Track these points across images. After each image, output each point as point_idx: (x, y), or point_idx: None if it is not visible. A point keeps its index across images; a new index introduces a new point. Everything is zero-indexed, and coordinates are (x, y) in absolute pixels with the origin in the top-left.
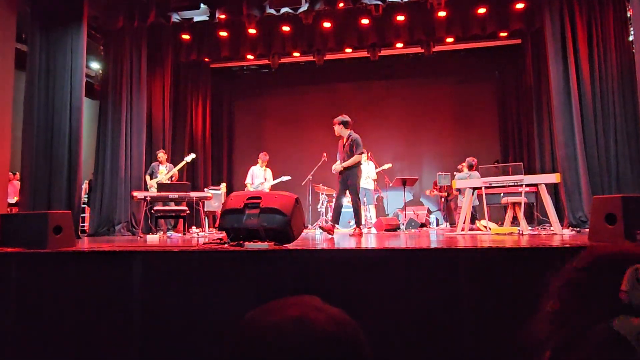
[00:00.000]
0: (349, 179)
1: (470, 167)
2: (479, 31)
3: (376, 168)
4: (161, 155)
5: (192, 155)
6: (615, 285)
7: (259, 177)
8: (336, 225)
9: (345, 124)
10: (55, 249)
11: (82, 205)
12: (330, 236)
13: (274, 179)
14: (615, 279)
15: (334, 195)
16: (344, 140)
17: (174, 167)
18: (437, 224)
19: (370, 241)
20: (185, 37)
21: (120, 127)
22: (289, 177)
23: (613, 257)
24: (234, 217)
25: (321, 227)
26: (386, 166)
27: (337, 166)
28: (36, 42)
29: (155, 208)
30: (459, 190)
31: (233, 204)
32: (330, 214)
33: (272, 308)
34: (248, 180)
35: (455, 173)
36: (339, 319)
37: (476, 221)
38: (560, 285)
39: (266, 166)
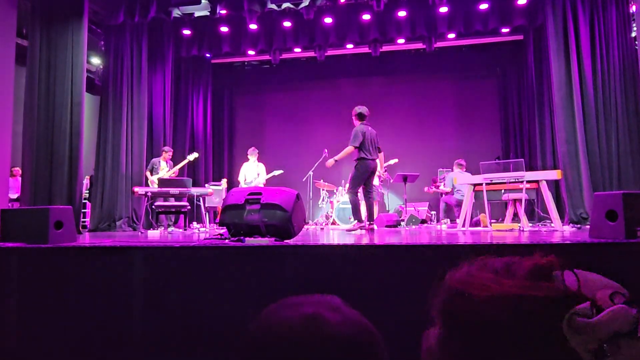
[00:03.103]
0: (350, 172)
1: (461, 167)
2: (480, 27)
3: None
4: (167, 153)
5: (195, 154)
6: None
7: (252, 173)
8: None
9: (357, 116)
10: (56, 244)
11: (83, 201)
12: (362, 231)
13: (267, 174)
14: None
15: (335, 191)
16: None
17: (175, 164)
18: (438, 221)
19: (370, 237)
20: (186, 32)
21: (121, 122)
22: (281, 171)
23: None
24: (234, 212)
25: (349, 230)
26: (392, 161)
27: (330, 161)
28: (37, 37)
29: (156, 204)
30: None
31: (234, 200)
32: (331, 211)
33: (290, 304)
34: (241, 178)
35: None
36: (357, 321)
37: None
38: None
39: (258, 161)
